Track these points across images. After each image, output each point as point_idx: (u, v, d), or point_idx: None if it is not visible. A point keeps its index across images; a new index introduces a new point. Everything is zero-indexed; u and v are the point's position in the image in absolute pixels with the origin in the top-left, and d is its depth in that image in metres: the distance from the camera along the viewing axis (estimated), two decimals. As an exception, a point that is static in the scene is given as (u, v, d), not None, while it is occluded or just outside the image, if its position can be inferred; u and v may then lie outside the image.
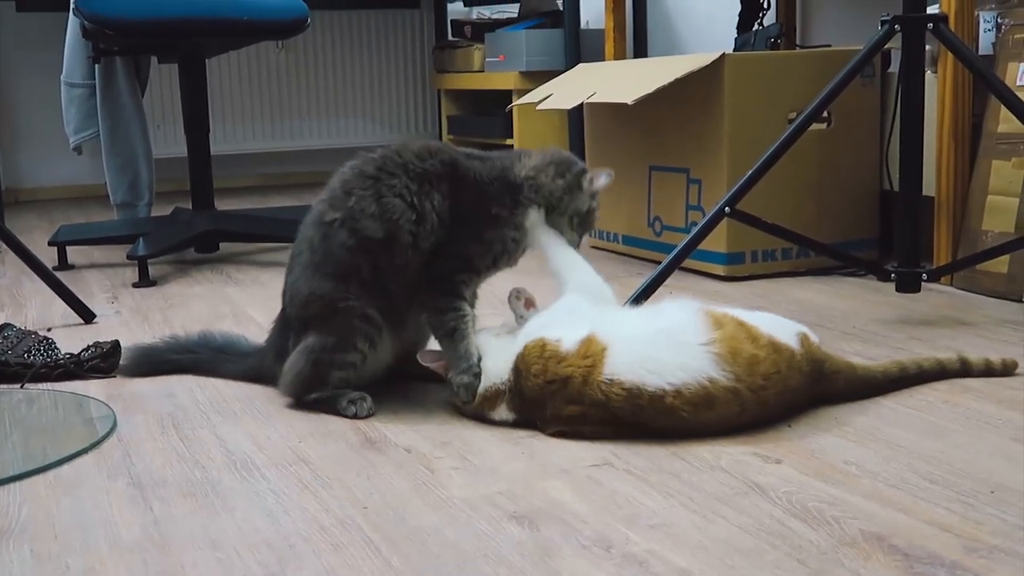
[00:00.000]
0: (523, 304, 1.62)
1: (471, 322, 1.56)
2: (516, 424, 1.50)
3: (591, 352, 1.42)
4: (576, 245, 1.64)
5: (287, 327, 1.66)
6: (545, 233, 1.61)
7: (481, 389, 1.50)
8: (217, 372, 1.80)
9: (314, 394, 1.61)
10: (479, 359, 1.53)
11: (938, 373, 1.63)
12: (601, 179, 1.63)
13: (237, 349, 1.83)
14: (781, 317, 1.57)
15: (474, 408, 1.52)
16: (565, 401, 1.42)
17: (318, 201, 1.62)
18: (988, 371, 1.65)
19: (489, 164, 1.60)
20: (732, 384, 1.39)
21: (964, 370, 1.65)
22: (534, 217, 1.60)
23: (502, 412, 1.50)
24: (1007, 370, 1.66)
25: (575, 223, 1.63)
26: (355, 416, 1.58)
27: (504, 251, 1.59)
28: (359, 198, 1.55)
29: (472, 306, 1.61)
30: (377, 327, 1.58)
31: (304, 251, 1.61)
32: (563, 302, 1.56)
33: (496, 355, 1.52)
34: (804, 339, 1.50)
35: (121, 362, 1.85)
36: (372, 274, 1.56)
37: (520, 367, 1.46)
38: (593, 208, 1.64)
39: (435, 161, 1.57)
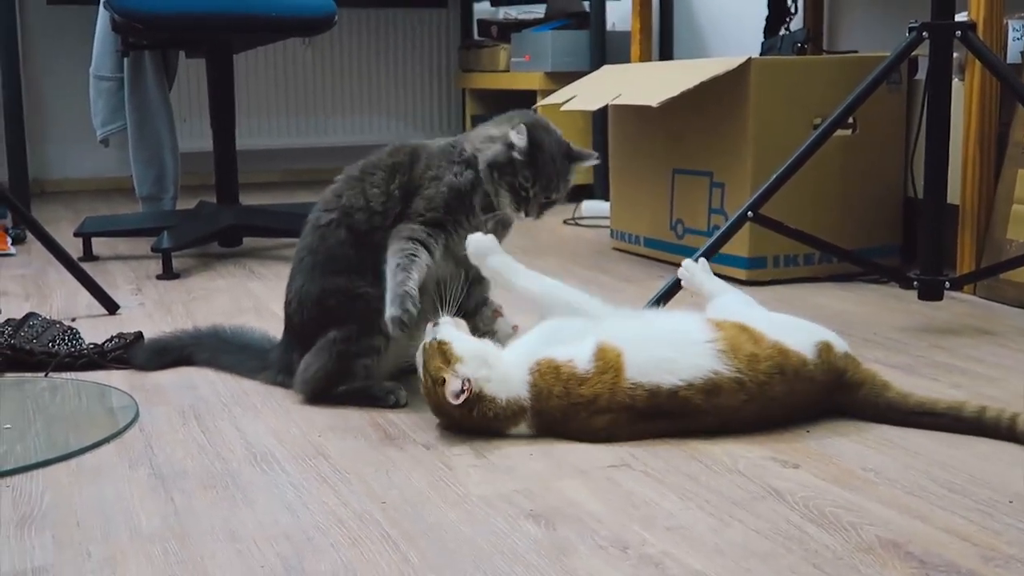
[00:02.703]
0: (491, 314, 1.64)
1: (419, 263, 1.56)
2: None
3: (609, 363, 1.43)
4: (510, 211, 1.61)
5: (290, 342, 1.69)
6: (498, 262, 1.57)
7: (502, 403, 1.43)
8: (220, 364, 1.82)
9: (342, 387, 1.62)
10: (416, 291, 1.52)
11: (998, 430, 1.43)
12: (520, 137, 1.59)
13: (242, 341, 1.84)
14: (808, 322, 1.57)
15: (491, 424, 1.44)
16: (592, 414, 1.43)
17: (314, 209, 1.70)
18: None
19: (445, 143, 1.68)
20: (735, 375, 1.43)
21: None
22: (478, 243, 1.57)
23: (520, 429, 1.46)
24: None
25: (496, 178, 1.60)
26: (395, 405, 1.60)
27: (444, 203, 1.61)
28: (349, 196, 1.65)
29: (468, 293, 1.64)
30: None
31: (305, 257, 1.67)
32: (554, 322, 1.53)
33: (506, 365, 1.45)
34: (825, 348, 1.50)
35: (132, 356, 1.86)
36: (373, 265, 1.60)
37: (540, 386, 1.43)
38: (506, 158, 1.60)
39: (401, 154, 1.68)
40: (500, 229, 1.67)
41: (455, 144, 1.67)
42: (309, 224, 1.69)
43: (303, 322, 1.66)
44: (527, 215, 1.63)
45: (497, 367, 1.44)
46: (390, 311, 1.52)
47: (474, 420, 1.44)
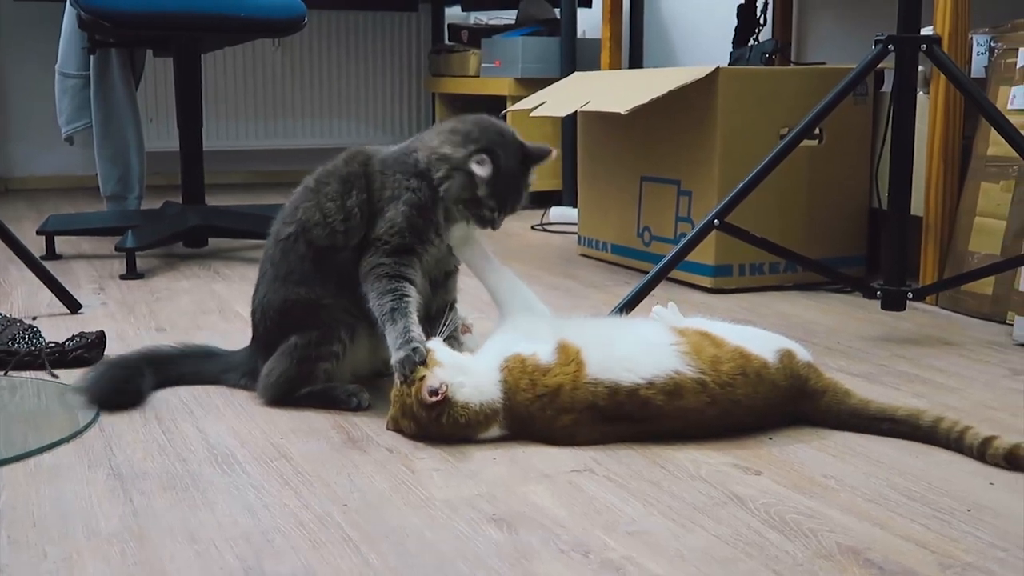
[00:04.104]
0: (459, 330, 1.66)
1: (413, 302, 1.54)
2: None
3: (570, 357, 1.45)
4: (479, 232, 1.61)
5: (257, 350, 1.68)
6: (474, 252, 1.61)
7: (476, 408, 1.43)
8: (178, 374, 1.72)
9: (305, 389, 1.61)
10: (420, 332, 1.50)
11: (948, 441, 1.43)
12: (483, 168, 1.53)
13: (195, 352, 1.79)
14: (769, 332, 1.58)
15: (460, 430, 1.44)
16: (558, 411, 1.43)
17: (275, 221, 1.68)
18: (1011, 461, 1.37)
19: (398, 151, 1.63)
20: (698, 376, 1.43)
21: (980, 452, 1.39)
22: (459, 233, 1.60)
23: (492, 431, 1.46)
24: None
25: (460, 208, 1.57)
26: (357, 407, 1.59)
27: (409, 225, 1.56)
28: (305, 210, 1.62)
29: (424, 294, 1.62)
30: (356, 319, 1.60)
31: (268, 269, 1.66)
32: (517, 322, 1.55)
33: (480, 372, 1.47)
34: (786, 355, 1.51)
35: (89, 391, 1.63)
36: (335, 278, 1.60)
37: (509, 382, 1.45)
38: (470, 194, 1.55)
39: (354, 163, 1.63)
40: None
41: (408, 153, 1.61)
42: (271, 237, 1.68)
43: (267, 330, 1.66)
44: (494, 229, 1.60)
45: (472, 375, 1.45)
46: (399, 354, 1.47)
47: (442, 427, 1.44)
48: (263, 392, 1.64)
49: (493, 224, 1.59)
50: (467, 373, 1.45)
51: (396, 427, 1.50)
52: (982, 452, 1.38)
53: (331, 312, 1.60)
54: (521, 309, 1.58)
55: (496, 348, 1.50)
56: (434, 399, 1.41)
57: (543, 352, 1.46)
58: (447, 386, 1.42)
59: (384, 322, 1.53)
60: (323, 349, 1.60)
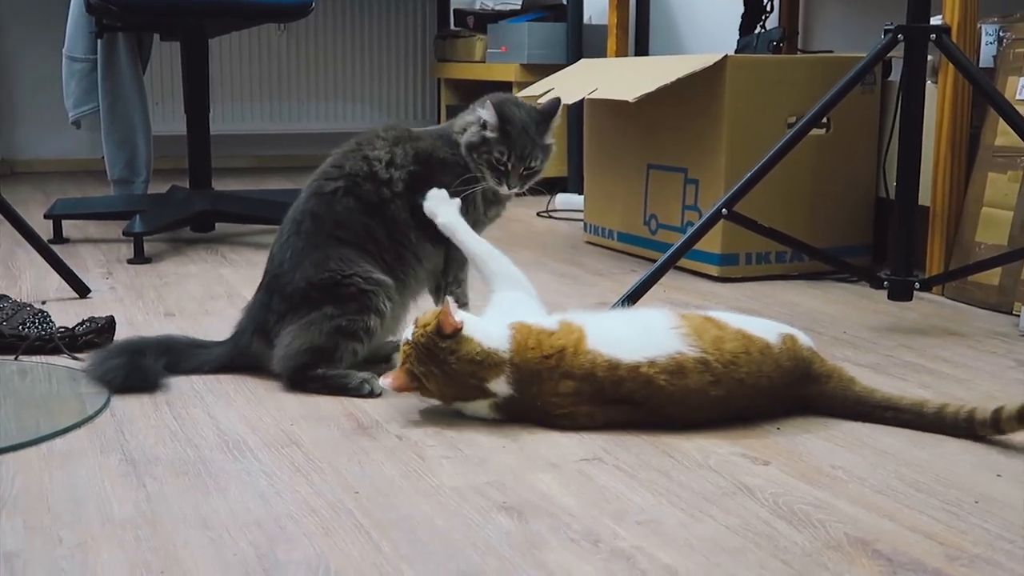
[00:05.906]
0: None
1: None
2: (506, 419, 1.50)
3: (573, 329, 1.48)
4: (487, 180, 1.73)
5: (271, 302, 1.66)
6: (457, 222, 1.66)
7: (487, 350, 1.45)
8: (187, 366, 1.71)
9: (320, 369, 1.62)
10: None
11: (956, 425, 1.46)
12: (487, 111, 1.69)
13: (201, 342, 1.78)
14: (769, 321, 1.58)
15: (474, 371, 1.45)
16: (561, 376, 1.45)
17: (310, 182, 1.71)
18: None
19: (437, 131, 1.78)
20: (700, 355, 1.44)
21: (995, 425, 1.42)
22: (449, 204, 1.68)
23: (500, 384, 1.46)
24: None
25: (475, 158, 1.71)
26: (370, 394, 1.61)
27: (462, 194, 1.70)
28: (352, 165, 1.68)
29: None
30: (393, 287, 1.66)
31: (305, 220, 1.67)
32: (511, 299, 1.61)
33: (490, 323, 1.50)
34: (788, 339, 1.51)
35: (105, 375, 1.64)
36: (384, 233, 1.66)
37: (517, 339, 1.47)
38: (480, 138, 1.70)
39: (395, 130, 1.74)
40: (493, 207, 1.78)
41: (446, 133, 1.75)
42: (308, 191, 1.70)
43: (295, 282, 1.63)
44: (509, 187, 1.71)
45: (481, 325, 1.49)
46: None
47: (460, 361, 1.44)
48: (282, 363, 1.63)
49: (508, 177, 1.70)
50: (475, 322, 1.49)
51: (403, 382, 1.48)
52: (996, 421, 1.40)
53: (372, 296, 1.63)
54: (511, 283, 1.63)
55: (500, 315, 1.54)
56: (454, 325, 1.44)
57: (548, 323, 1.51)
58: (463, 322, 1.46)
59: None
60: (358, 324, 1.61)
